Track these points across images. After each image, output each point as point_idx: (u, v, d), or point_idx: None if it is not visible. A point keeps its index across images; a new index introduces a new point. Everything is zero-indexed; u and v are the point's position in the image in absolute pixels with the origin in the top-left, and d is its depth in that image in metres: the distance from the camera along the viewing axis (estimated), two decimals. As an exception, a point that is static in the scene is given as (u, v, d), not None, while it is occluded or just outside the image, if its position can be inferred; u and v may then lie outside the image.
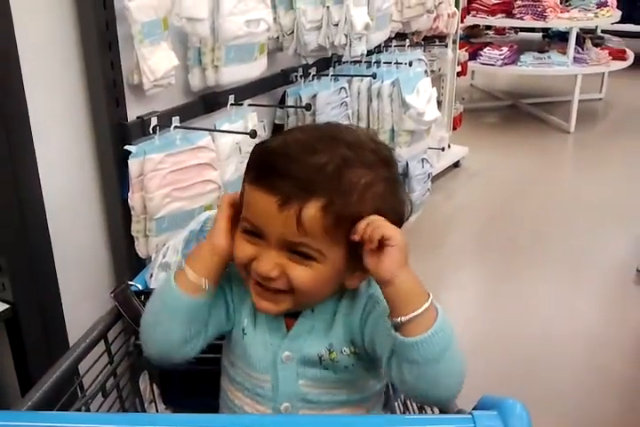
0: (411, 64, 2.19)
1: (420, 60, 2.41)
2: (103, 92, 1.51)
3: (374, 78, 2.11)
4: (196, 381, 1.08)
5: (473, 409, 0.71)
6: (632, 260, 3.02)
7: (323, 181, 0.82)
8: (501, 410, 0.64)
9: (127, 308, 1.04)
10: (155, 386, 1.16)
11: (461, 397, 0.85)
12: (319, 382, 0.94)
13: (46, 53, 1.44)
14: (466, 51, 4.42)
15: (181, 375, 1.04)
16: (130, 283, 1.08)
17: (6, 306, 1.44)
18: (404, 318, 0.81)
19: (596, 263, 3.06)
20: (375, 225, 0.82)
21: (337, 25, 1.87)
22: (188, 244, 1.30)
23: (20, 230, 1.43)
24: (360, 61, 2.23)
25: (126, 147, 1.54)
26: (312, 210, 0.82)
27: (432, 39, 3.46)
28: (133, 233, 1.62)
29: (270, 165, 0.85)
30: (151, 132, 1.59)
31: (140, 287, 1.09)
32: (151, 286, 1.20)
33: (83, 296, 1.62)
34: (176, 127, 1.61)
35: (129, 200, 1.57)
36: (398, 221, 0.90)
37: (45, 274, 1.51)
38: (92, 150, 1.58)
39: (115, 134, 1.55)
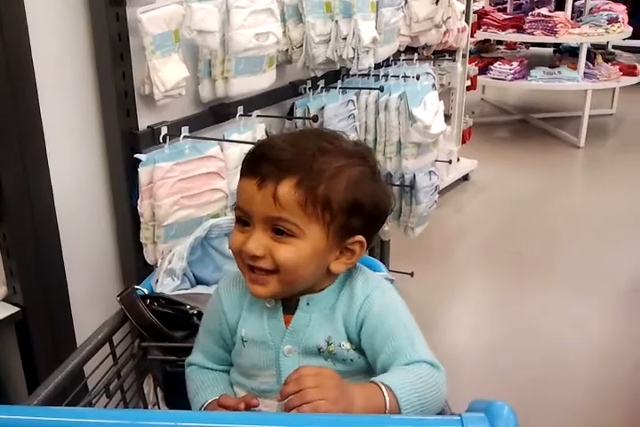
0: (418, 78, 2.21)
1: (427, 73, 2.43)
2: (115, 102, 1.55)
3: (382, 91, 2.14)
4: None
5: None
6: (641, 275, 3.02)
7: (297, 163, 0.91)
8: (489, 412, 0.66)
9: (133, 311, 1.07)
10: (158, 389, 1.18)
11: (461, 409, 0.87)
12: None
13: (60, 64, 1.48)
14: (476, 65, 4.46)
15: (184, 379, 1.06)
16: (136, 287, 1.11)
17: (16, 309, 1.47)
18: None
19: (604, 278, 3.05)
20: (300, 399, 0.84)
21: (345, 39, 1.90)
22: (194, 250, 1.32)
23: (32, 236, 1.47)
24: (368, 75, 2.25)
25: (136, 155, 1.57)
26: (286, 186, 0.91)
27: (442, 53, 3.50)
28: (142, 240, 1.65)
29: (254, 156, 0.95)
30: (161, 141, 1.62)
31: (145, 292, 1.11)
32: (157, 291, 1.23)
33: (91, 301, 1.65)
34: (185, 137, 1.64)
35: (138, 207, 1.60)
36: (378, 212, 0.97)
37: (55, 278, 1.54)
38: (103, 159, 1.62)
39: (125, 143, 1.59)
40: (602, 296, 2.91)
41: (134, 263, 1.70)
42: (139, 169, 1.57)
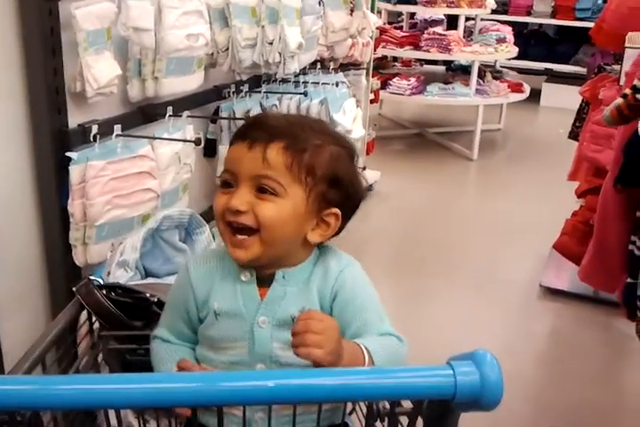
0: (337, 85, 2.29)
1: (342, 82, 2.52)
2: (45, 98, 1.52)
3: (305, 96, 2.20)
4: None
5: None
6: (535, 276, 3.21)
7: (287, 131, 1.00)
8: (474, 359, 0.71)
9: (90, 301, 1.05)
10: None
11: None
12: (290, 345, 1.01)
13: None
14: (377, 79, 4.61)
15: (142, 368, 1.05)
16: (91, 278, 1.09)
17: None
18: None
19: (501, 281, 3.21)
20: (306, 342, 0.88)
21: (271, 43, 1.95)
22: (145, 242, 1.31)
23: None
24: (289, 80, 2.31)
25: (68, 153, 1.54)
26: (275, 148, 0.98)
27: (347, 66, 3.61)
28: (71, 241, 1.61)
29: (247, 124, 1.04)
30: (91, 140, 1.60)
31: (101, 282, 1.10)
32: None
33: (17, 305, 1.59)
34: (118, 135, 1.62)
35: (69, 207, 1.57)
36: (354, 191, 1.03)
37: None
38: (31, 157, 1.57)
39: (55, 141, 1.56)
40: (500, 298, 3.06)
41: (62, 265, 1.66)
42: (70, 167, 1.54)
